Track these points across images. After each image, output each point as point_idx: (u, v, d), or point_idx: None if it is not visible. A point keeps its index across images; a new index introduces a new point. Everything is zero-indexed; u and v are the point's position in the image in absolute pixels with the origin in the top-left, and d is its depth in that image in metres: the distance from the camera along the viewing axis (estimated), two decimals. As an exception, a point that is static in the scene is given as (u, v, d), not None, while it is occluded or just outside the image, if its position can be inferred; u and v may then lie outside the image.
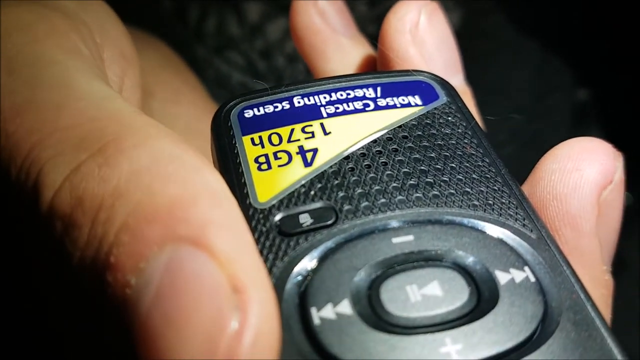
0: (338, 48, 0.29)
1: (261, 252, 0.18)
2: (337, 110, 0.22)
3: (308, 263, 0.18)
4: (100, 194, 0.17)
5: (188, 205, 0.16)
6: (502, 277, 0.17)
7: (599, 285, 0.20)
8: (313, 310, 0.16)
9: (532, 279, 0.17)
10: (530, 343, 0.16)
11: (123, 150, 0.17)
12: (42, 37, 0.21)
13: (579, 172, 0.20)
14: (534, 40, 0.56)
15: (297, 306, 0.17)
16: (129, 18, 0.47)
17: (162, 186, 0.17)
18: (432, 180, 0.20)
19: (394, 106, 0.22)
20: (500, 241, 0.18)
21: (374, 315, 0.16)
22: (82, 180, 0.17)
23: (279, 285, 0.17)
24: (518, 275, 0.17)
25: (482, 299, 0.17)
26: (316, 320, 0.16)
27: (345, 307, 0.16)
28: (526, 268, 0.17)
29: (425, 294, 0.17)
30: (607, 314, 0.20)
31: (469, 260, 0.18)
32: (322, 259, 0.18)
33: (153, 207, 0.16)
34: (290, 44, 0.52)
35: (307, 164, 0.20)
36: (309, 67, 0.31)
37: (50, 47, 0.21)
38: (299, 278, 0.17)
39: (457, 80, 0.26)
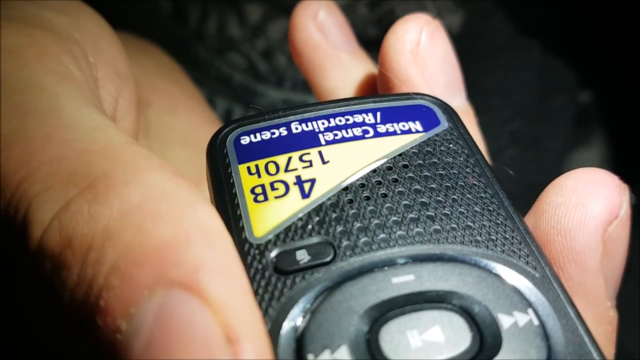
0: (338, 65, 0.29)
1: (256, 291, 0.17)
2: (336, 138, 0.21)
3: (305, 304, 0.17)
4: (90, 234, 0.16)
5: (180, 246, 0.16)
6: (505, 321, 0.17)
7: (603, 322, 0.19)
8: (310, 357, 0.16)
9: (536, 322, 0.17)
10: None
11: (113, 187, 0.17)
12: (31, 61, 0.21)
13: (584, 207, 0.19)
14: (536, 42, 0.56)
15: (293, 351, 0.16)
16: (128, 20, 0.46)
17: (154, 226, 0.16)
18: (433, 214, 0.19)
19: (394, 133, 0.22)
20: (503, 282, 0.18)
21: None
22: (71, 219, 0.17)
23: (274, 329, 0.17)
24: (521, 318, 0.17)
25: (485, 344, 0.16)
26: None
27: (344, 354, 0.16)
28: (530, 310, 0.17)
29: (427, 339, 0.16)
30: (610, 349, 0.20)
31: (472, 302, 0.17)
32: (320, 300, 0.17)
33: (144, 248, 0.16)
34: (289, 47, 0.51)
35: (304, 195, 0.20)
36: (308, 83, 0.30)
37: (41, 72, 0.21)
38: (296, 321, 0.17)
39: (459, 100, 0.26)
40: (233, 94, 0.48)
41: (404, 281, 0.17)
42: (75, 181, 0.17)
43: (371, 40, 0.34)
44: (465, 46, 0.50)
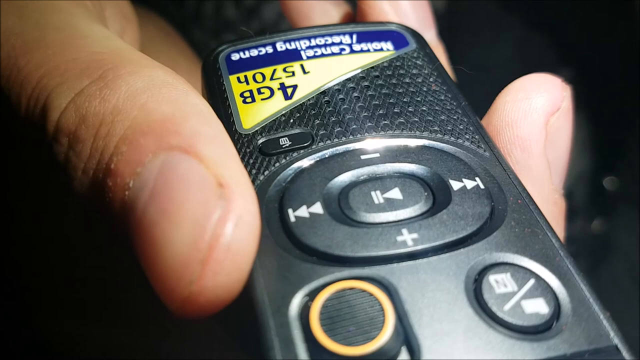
0: (323, 13, 0.32)
1: (245, 168, 0.20)
2: (316, 54, 0.24)
3: (286, 175, 0.20)
4: (101, 112, 0.19)
5: (180, 120, 0.19)
6: (455, 185, 0.19)
7: (548, 202, 0.22)
8: (289, 211, 0.19)
9: (482, 187, 0.20)
10: (478, 236, 0.18)
11: (121, 76, 0.20)
12: None
13: (528, 100, 0.22)
14: (516, 18, 0.59)
15: (275, 209, 0.19)
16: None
17: (156, 105, 0.19)
18: (398, 111, 0.22)
19: (368, 50, 0.25)
20: (455, 157, 0.21)
21: (342, 214, 0.19)
22: (85, 101, 0.20)
23: (261, 193, 0.19)
24: (469, 183, 0.20)
25: (437, 201, 0.19)
26: (292, 219, 0.19)
27: (318, 208, 0.19)
28: (477, 178, 0.20)
29: (388, 197, 0.19)
30: (559, 231, 0.23)
31: (427, 171, 0.20)
32: (298, 172, 0.20)
33: (148, 122, 0.19)
34: (284, 26, 0.54)
35: (287, 97, 0.23)
36: None
37: None
38: (278, 187, 0.20)
39: (430, 35, 0.29)
40: None
41: (370, 157, 0.20)
42: (87, 74, 0.20)
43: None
44: (450, 23, 0.53)
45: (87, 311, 0.26)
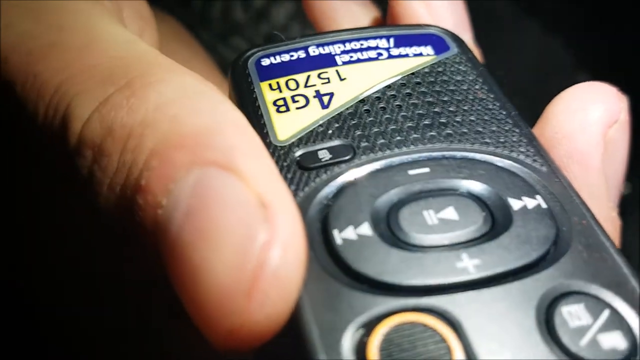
0: (348, 14, 0.30)
1: None
2: (352, 59, 0.23)
3: (328, 192, 0.18)
4: (129, 124, 0.18)
5: (214, 133, 0.17)
6: (515, 204, 0.18)
7: (606, 220, 0.21)
8: (335, 232, 0.17)
9: (544, 206, 0.18)
10: (544, 262, 0.17)
11: (149, 84, 0.18)
12: None
13: (585, 111, 0.20)
14: (535, 22, 0.57)
15: (319, 230, 0.18)
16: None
17: (189, 116, 0.17)
18: (445, 121, 0.21)
19: (407, 55, 0.23)
20: (512, 173, 0.19)
21: (393, 236, 0.17)
22: (111, 110, 0.18)
23: (301, 211, 0.18)
24: (530, 202, 0.18)
25: (497, 222, 0.18)
26: (338, 241, 0.17)
27: (366, 229, 0.17)
28: (538, 196, 0.18)
29: (442, 217, 0.18)
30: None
31: (483, 189, 0.18)
32: (342, 189, 0.18)
33: (180, 135, 0.17)
34: (295, 28, 0.53)
35: (324, 106, 0.21)
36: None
37: None
38: (320, 205, 0.18)
39: (466, 38, 0.27)
40: None
41: (420, 172, 0.19)
42: (112, 81, 0.19)
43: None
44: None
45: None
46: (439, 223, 0.17)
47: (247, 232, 0.15)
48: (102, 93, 0.18)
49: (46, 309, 0.24)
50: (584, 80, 0.61)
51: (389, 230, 0.17)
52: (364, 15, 0.30)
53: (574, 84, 0.59)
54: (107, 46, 0.20)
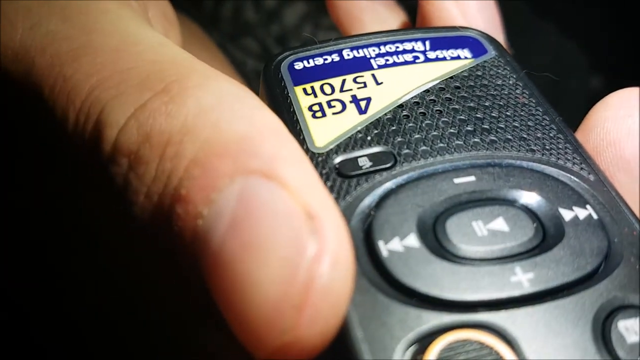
0: (374, 15, 0.30)
1: None
2: (387, 62, 0.22)
3: (370, 201, 0.18)
4: (168, 131, 0.17)
5: (256, 140, 0.16)
6: (566, 214, 0.17)
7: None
8: (380, 243, 0.17)
9: (595, 217, 0.17)
10: (598, 275, 0.16)
11: (188, 89, 0.18)
12: None
13: (632, 118, 0.20)
14: (550, 24, 0.56)
15: (362, 241, 0.17)
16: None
17: (230, 123, 0.17)
18: (488, 127, 0.20)
19: (444, 59, 0.22)
20: (561, 182, 0.18)
21: (442, 248, 0.17)
22: (149, 117, 0.17)
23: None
24: (581, 212, 0.17)
25: (548, 234, 0.17)
26: (384, 253, 0.16)
27: (413, 240, 0.17)
28: (588, 206, 0.18)
29: (492, 229, 0.17)
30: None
31: (533, 198, 0.18)
32: (385, 198, 0.18)
33: (222, 142, 0.16)
34: (306, 29, 0.52)
35: (361, 111, 0.20)
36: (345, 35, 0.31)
37: None
38: (362, 215, 0.17)
39: (499, 40, 0.26)
40: (246, 81, 0.48)
41: (466, 181, 0.18)
42: (149, 86, 0.18)
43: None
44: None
45: None
46: (488, 234, 0.17)
47: (296, 244, 0.15)
48: (139, 98, 0.18)
49: (79, 318, 0.24)
50: (599, 82, 0.60)
51: (437, 241, 0.17)
52: (391, 17, 0.30)
53: (588, 86, 0.58)
54: (141, 49, 0.19)
